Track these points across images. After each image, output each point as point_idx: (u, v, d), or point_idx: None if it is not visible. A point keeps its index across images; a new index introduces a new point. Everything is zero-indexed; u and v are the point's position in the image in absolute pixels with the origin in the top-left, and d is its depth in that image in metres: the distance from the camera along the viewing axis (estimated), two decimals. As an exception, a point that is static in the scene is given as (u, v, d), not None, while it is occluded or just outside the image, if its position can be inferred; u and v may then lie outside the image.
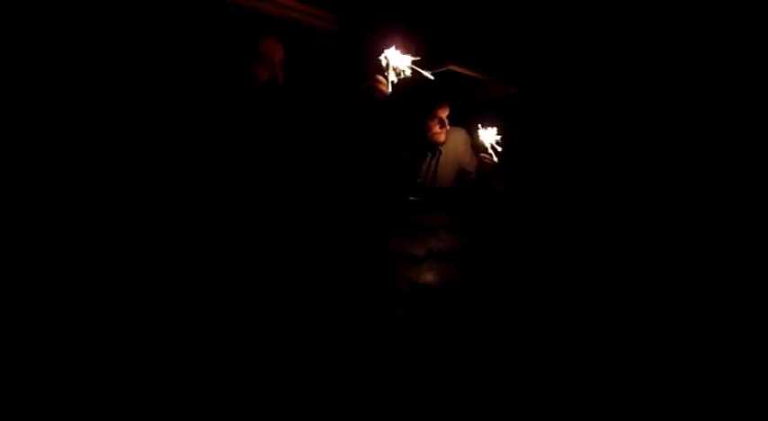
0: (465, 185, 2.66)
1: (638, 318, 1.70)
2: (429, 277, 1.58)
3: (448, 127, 2.48)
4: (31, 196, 1.25)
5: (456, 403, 1.16)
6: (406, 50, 2.00)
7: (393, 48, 1.97)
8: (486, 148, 2.47)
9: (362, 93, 1.96)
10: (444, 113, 2.45)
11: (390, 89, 1.95)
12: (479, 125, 2.50)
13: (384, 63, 1.97)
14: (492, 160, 2.46)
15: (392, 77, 1.98)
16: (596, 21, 2.71)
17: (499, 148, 2.47)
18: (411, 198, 1.96)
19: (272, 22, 1.99)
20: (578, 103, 2.88)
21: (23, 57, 1.52)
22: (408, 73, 1.99)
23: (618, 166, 2.67)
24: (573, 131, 2.88)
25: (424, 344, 1.31)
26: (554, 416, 1.23)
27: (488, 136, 2.47)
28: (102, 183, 1.34)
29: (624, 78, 2.70)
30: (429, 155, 2.54)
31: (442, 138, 2.49)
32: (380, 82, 1.94)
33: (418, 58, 2.00)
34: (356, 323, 1.30)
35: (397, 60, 1.98)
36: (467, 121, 2.67)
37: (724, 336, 1.69)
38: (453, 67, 2.48)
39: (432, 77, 2.02)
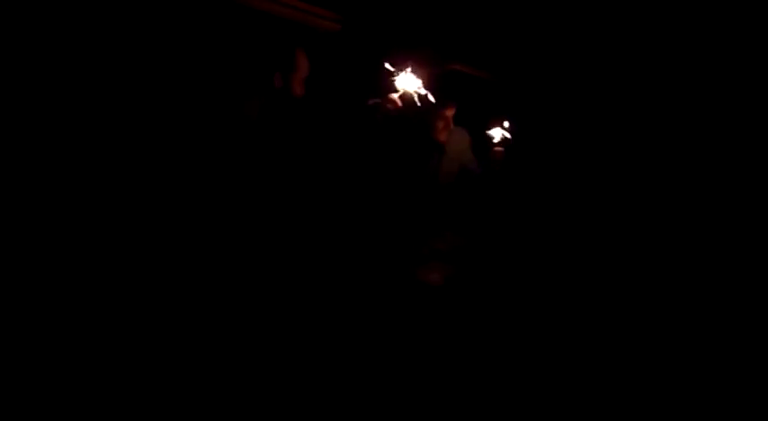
0: (467, 183, 2.67)
1: (640, 316, 1.70)
2: (432, 275, 1.58)
3: (452, 126, 2.49)
4: (42, 194, 1.25)
5: (470, 401, 1.16)
6: (416, 74, 2.05)
7: (406, 71, 2.03)
8: (497, 143, 2.62)
9: (371, 108, 2.00)
10: (450, 113, 2.47)
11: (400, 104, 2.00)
12: (490, 126, 2.63)
13: (395, 85, 2.03)
14: (502, 152, 2.60)
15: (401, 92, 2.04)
16: (596, 20, 2.71)
17: (509, 135, 2.60)
18: (414, 196, 1.96)
19: (274, 22, 1.99)
20: (578, 103, 2.88)
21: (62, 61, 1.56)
22: (416, 95, 2.05)
23: (618, 166, 2.67)
24: (573, 131, 2.89)
25: (425, 343, 1.31)
26: (568, 414, 1.23)
27: (497, 132, 2.62)
28: (123, 181, 1.36)
29: (624, 78, 2.70)
30: (432, 153, 2.55)
31: (443, 137, 2.50)
32: (392, 101, 2.00)
33: (425, 85, 2.05)
34: (359, 323, 1.30)
35: (408, 83, 2.03)
36: (469, 121, 2.69)
37: (724, 335, 1.69)
38: (456, 67, 2.48)
39: (434, 100, 2.08)
